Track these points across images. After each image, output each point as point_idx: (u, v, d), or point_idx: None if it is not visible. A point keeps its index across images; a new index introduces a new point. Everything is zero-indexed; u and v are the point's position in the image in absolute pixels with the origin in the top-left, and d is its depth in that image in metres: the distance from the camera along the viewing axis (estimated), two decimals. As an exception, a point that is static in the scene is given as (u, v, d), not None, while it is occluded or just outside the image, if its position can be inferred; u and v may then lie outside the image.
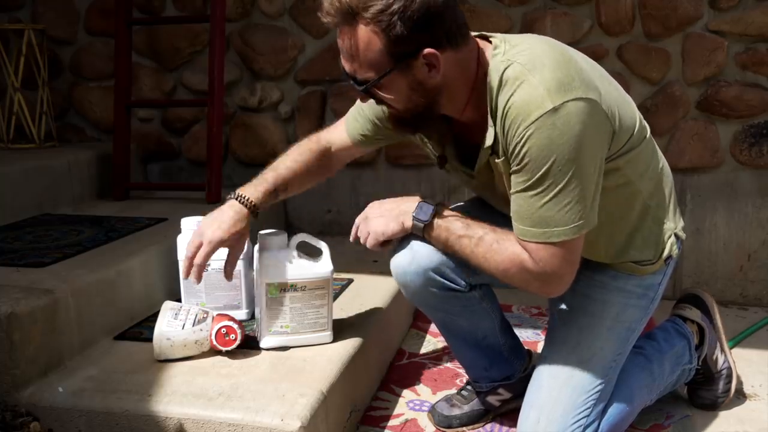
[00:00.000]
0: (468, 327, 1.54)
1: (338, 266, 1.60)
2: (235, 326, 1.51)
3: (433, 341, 2.07)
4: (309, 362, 1.50)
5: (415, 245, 1.42)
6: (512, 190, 1.23)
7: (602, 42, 2.39)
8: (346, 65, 1.23)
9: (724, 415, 1.64)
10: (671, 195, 1.43)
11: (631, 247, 1.37)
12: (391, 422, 1.63)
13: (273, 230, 1.58)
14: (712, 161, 2.37)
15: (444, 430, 1.60)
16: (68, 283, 1.57)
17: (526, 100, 1.15)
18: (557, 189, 1.17)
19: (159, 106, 2.82)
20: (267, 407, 1.32)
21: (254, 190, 1.46)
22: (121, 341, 1.64)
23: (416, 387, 1.80)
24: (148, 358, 1.53)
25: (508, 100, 1.18)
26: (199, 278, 1.44)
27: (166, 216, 2.19)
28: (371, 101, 1.29)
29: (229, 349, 1.51)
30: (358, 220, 1.43)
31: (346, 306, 1.85)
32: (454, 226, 1.33)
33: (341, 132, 1.58)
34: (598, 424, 1.38)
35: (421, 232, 1.37)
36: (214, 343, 1.50)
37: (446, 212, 1.37)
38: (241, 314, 1.73)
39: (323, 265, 1.56)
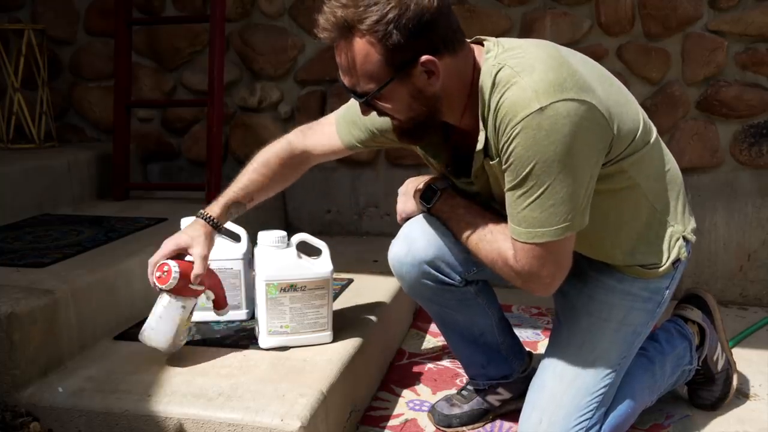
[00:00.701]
0: (464, 322, 1.54)
1: (338, 266, 1.60)
2: (171, 263, 1.42)
3: (433, 341, 2.07)
4: (309, 362, 1.50)
5: (413, 236, 1.45)
6: (504, 189, 1.24)
7: (602, 42, 2.39)
8: (346, 79, 1.23)
9: (724, 415, 1.64)
10: (680, 197, 1.41)
11: (638, 251, 1.36)
12: (391, 422, 1.63)
13: (273, 230, 1.58)
14: (712, 161, 2.37)
15: (444, 429, 1.60)
16: (68, 283, 1.57)
17: (513, 101, 1.15)
18: (542, 190, 1.17)
19: (159, 106, 2.82)
20: (267, 407, 1.32)
21: (215, 206, 1.52)
22: (121, 341, 1.64)
23: (416, 387, 1.80)
24: (148, 358, 1.53)
25: (498, 101, 1.18)
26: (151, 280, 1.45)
27: (166, 216, 2.19)
28: (373, 113, 1.30)
29: (165, 286, 1.42)
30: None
31: (346, 306, 1.85)
32: (456, 212, 1.39)
33: (329, 137, 1.55)
34: (600, 426, 1.38)
35: (427, 212, 1.44)
36: (156, 285, 1.44)
37: (451, 197, 1.40)
38: (241, 314, 1.73)
39: (323, 265, 1.56)
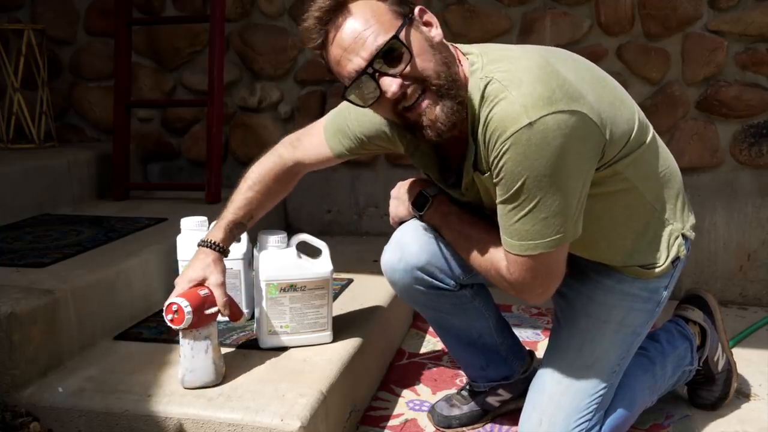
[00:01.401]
0: (461, 326, 1.54)
1: (338, 266, 1.60)
2: (178, 301, 1.35)
3: (432, 341, 2.07)
4: (309, 362, 1.50)
5: (405, 241, 1.44)
6: (496, 201, 1.22)
7: (602, 42, 2.39)
8: (357, 55, 1.14)
9: (724, 415, 1.64)
10: (679, 194, 1.40)
11: (636, 251, 1.36)
12: (391, 422, 1.63)
13: (273, 230, 1.58)
14: (711, 161, 2.37)
15: (443, 430, 1.60)
16: (68, 283, 1.57)
17: (502, 116, 1.13)
18: (533, 204, 1.15)
19: (159, 106, 2.82)
20: (267, 407, 1.32)
21: (215, 231, 1.49)
22: (121, 341, 1.64)
23: (416, 387, 1.80)
24: (147, 359, 1.53)
25: (487, 116, 1.16)
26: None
27: (166, 216, 2.19)
28: (367, 119, 1.29)
29: (182, 326, 1.35)
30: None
31: (346, 306, 1.85)
32: (448, 220, 1.38)
33: (318, 146, 1.51)
34: (600, 427, 1.38)
35: (420, 219, 1.43)
36: (173, 328, 1.38)
37: (442, 205, 1.39)
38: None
39: (323, 265, 1.56)
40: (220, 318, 1.44)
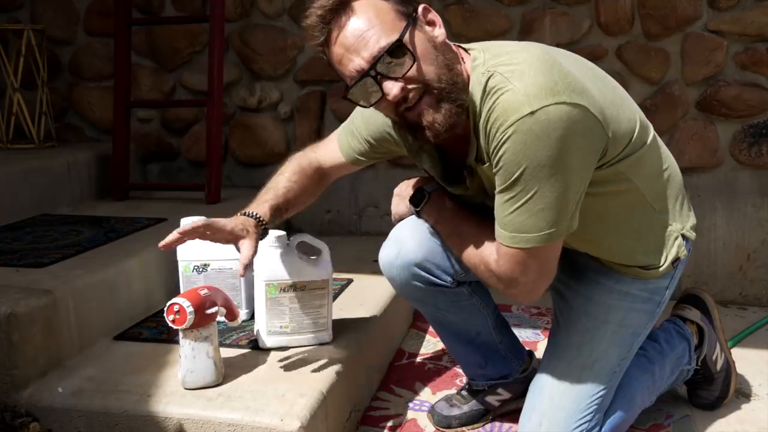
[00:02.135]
0: (459, 322, 1.54)
1: (338, 266, 1.60)
2: (180, 301, 1.35)
3: (432, 341, 2.07)
4: (309, 362, 1.50)
5: (402, 237, 1.44)
6: (495, 191, 1.22)
7: (601, 42, 2.39)
8: (359, 56, 1.14)
9: (723, 415, 1.64)
10: (679, 195, 1.40)
11: (637, 251, 1.35)
12: (391, 422, 1.63)
13: (273, 230, 1.58)
14: (711, 161, 2.37)
15: (443, 430, 1.60)
16: (67, 283, 1.57)
17: (505, 106, 1.13)
18: (530, 194, 1.15)
19: (158, 106, 2.82)
20: (266, 407, 1.32)
21: (258, 206, 1.43)
22: (121, 341, 1.64)
23: (416, 387, 1.80)
24: (147, 359, 1.53)
25: (490, 108, 1.16)
26: (166, 245, 1.31)
27: (166, 216, 2.19)
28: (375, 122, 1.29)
29: (183, 327, 1.36)
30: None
31: (346, 306, 1.85)
32: (443, 215, 1.39)
33: (333, 151, 1.53)
34: (600, 428, 1.38)
35: (417, 215, 1.44)
36: (174, 328, 1.38)
37: (440, 200, 1.40)
38: (241, 314, 1.72)
39: (323, 265, 1.56)
40: (219, 318, 1.44)
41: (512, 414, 1.60)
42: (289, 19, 2.63)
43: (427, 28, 1.19)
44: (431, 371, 1.89)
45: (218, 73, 2.40)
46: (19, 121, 2.63)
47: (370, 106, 1.20)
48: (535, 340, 2.05)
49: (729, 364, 1.67)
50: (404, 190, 1.51)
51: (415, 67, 1.15)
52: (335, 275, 1.60)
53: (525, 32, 2.43)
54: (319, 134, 2.65)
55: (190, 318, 1.35)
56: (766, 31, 2.25)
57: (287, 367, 1.48)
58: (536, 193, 1.14)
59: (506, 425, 1.62)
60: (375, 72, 1.14)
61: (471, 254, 1.31)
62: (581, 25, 2.39)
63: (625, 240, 1.34)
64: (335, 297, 1.87)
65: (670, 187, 1.38)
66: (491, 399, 1.61)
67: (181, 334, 1.39)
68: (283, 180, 1.49)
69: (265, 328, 1.55)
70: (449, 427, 1.60)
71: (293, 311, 1.54)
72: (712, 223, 2.38)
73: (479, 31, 2.44)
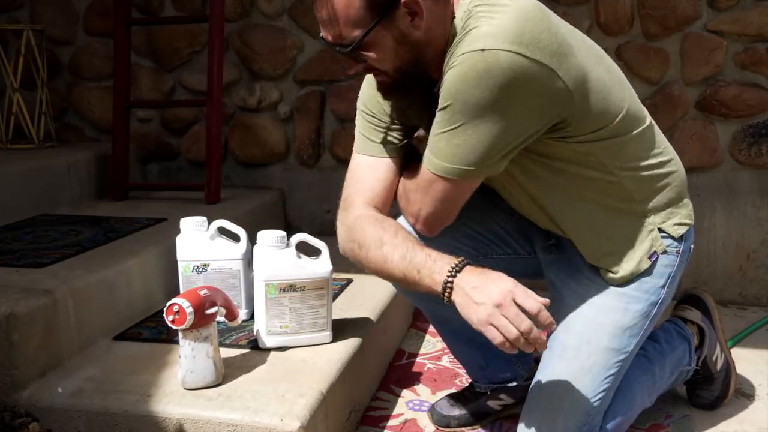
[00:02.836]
0: (458, 320, 1.52)
1: (338, 266, 1.60)
2: (179, 301, 1.34)
3: (432, 341, 2.07)
4: (308, 362, 1.50)
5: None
6: None
7: (601, 42, 2.38)
8: (329, 33, 1.19)
9: (723, 415, 1.64)
10: (679, 195, 1.37)
11: (602, 244, 1.34)
12: (391, 422, 1.63)
13: (272, 230, 1.58)
14: (711, 161, 2.37)
15: (443, 429, 1.60)
16: (67, 283, 1.56)
17: (467, 42, 1.14)
18: (453, 126, 1.16)
19: (158, 106, 2.82)
20: (266, 407, 1.32)
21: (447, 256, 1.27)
22: (121, 342, 1.64)
23: (416, 387, 1.80)
24: (147, 359, 1.53)
25: (458, 43, 1.16)
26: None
27: (166, 216, 2.19)
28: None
29: (183, 327, 1.35)
30: None
31: (346, 306, 1.85)
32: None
33: (364, 171, 1.39)
34: (600, 428, 1.38)
35: None
36: (173, 328, 1.38)
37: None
38: (241, 314, 1.72)
39: (322, 265, 1.56)
40: (219, 318, 1.44)
41: (513, 416, 1.60)
42: (288, 19, 2.63)
43: (405, 20, 1.17)
44: (431, 371, 1.89)
45: (218, 73, 2.40)
46: (18, 121, 2.63)
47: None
48: (534, 340, 2.05)
49: (729, 364, 1.67)
50: None
51: (372, 61, 1.20)
52: (335, 275, 1.60)
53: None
54: (318, 134, 2.66)
55: (189, 318, 1.35)
56: (765, 31, 2.25)
57: (287, 367, 1.48)
58: (458, 128, 1.16)
59: (506, 425, 1.62)
60: (337, 50, 1.20)
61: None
62: (581, 25, 2.38)
63: (594, 231, 1.34)
64: (335, 297, 1.87)
65: (664, 185, 1.35)
66: (493, 403, 1.61)
67: (180, 335, 1.39)
68: (404, 237, 1.31)
69: (264, 328, 1.55)
70: (448, 426, 1.60)
71: (293, 311, 1.54)
72: (711, 223, 2.38)
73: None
